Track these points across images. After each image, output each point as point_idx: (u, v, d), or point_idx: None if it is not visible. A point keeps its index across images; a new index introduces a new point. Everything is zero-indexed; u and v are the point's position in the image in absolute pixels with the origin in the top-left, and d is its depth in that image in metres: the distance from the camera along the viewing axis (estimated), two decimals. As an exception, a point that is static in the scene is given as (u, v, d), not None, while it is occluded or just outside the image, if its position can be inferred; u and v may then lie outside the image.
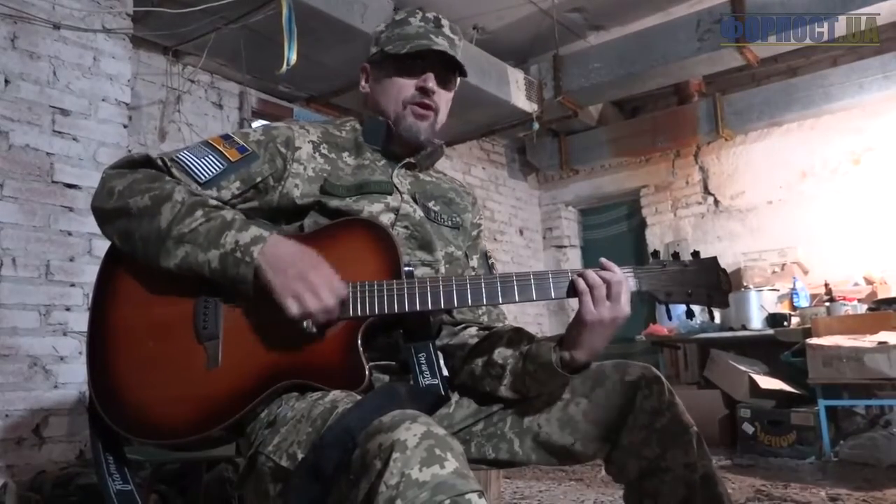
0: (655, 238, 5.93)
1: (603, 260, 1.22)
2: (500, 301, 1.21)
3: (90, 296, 1.24)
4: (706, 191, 5.70)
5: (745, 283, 5.00)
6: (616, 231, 6.39)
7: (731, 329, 4.44)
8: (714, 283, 1.26)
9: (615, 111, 6.16)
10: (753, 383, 4.07)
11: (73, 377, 2.58)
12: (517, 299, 1.21)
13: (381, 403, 0.96)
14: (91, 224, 2.73)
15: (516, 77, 4.78)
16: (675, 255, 1.30)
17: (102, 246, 2.70)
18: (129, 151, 2.91)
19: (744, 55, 4.39)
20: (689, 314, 1.31)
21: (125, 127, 2.74)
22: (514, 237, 6.18)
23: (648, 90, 5.28)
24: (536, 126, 4.97)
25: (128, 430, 1.12)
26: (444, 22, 1.39)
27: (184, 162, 1.21)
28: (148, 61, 3.65)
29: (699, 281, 1.26)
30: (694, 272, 1.26)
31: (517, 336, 1.33)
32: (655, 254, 1.32)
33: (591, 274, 1.18)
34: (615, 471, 1.27)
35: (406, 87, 1.36)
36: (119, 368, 1.15)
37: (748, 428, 3.99)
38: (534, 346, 1.26)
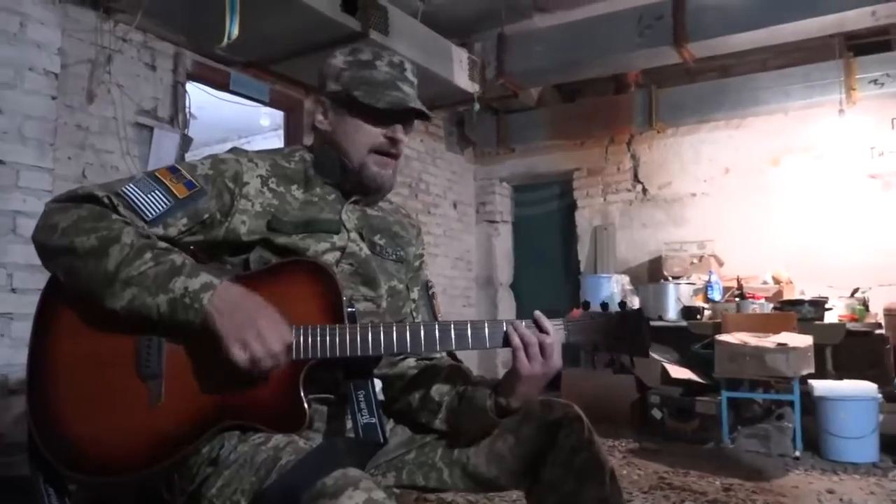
0: (584, 220, 6.11)
1: (537, 314, 1.29)
2: (438, 349, 1.27)
3: (32, 324, 1.20)
4: (636, 178, 5.89)
5: (665, 273, 5.25)
6: (547, 209, 6.53)
7: (649, 318, 4.67)
8: (637, 333, 1.36)
9: (554, 93, 6.23)
10: (665, 371, 4.32)
11: (-9, 355, 2.51)
12: (454, 347, 1.27)
13: (323, 463, 1.01)
14: (15, 202, 2.64)
15: (460, 57, 4.77)
16: (604, 306, 1.39)
17: (27, 224, 2.61)
18: (57, 122, 2.78)
19: (681, 54, 4.53)
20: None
21: (54, 99, 2.61)
22: (448, 210, 6.24)
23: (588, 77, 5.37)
24: (477, 107, 5.01)
25: (67, 466, 1.13)
26: (407, 65, 1.40)
27: (130, 198, 1.20)
28: (76, 16, 3.45)
29: (624, 332, 1.35)
30: (619, 323, 1.35)
31: (454, 374, 1.40)
32: (586, 304, 1.41)
33: (525, 331, 1.24)
34: (535, 502, 1.36)
35: (373, 135, 1.37)
36: (60, 403, 1.15)
37: (657, 413, 4.26)
38: (470, 388, 1.35)
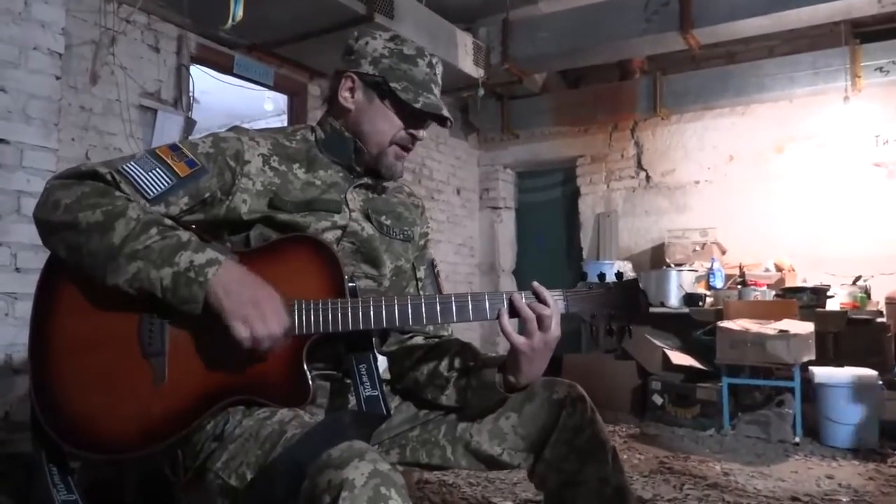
0: (587, 207, 6.10)
1: (535, 284, 1.29)
2: (439, 321, 1.27)
3: (32, 304, 1.19)
4: (639, 165, 5.87)
5: (667, 260, 5.25)
6: (551, 196, 6.51)
7: (651, 305, 4.68)
8: (634, 303, 1.36)
9: (558, 79, 6.22)
10: (666, 358, 4.33)
11: (-4, 335, 2.53)
12: (455, 320, 1.28)
13: (329, 436, 1.02)
14: (20, 181, 2.64)
15: (465, 41, 4.75)
16: (601, 277, 1.39)
17: (31, 204, 2.61)
18: (60, 103, 2.77)
19: (687, 41, 4.50)
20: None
21: (58, 78, 2.61)
22: (452, 197, 6.23)
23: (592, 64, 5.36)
24: (482, 92, 5.00)
25: (73, 445, 1.14)
26: (439, 68, 1.44)
27: (132, 176, 1.19)
28: (81, -4, 3.44)
29: (621, 302, 1.35)
30: (617, 294, 1.35)
31: (463, 351, 1.41)
32: (583, 276, 1.41)
33: (523, 306, 1.25)
34: (537, 480, 1.38)
35: (397, 127, 1.40)
36: (63, 382, 1.16)
37: (657, 399, 4.28)
38: (478, 364, 1.35)
